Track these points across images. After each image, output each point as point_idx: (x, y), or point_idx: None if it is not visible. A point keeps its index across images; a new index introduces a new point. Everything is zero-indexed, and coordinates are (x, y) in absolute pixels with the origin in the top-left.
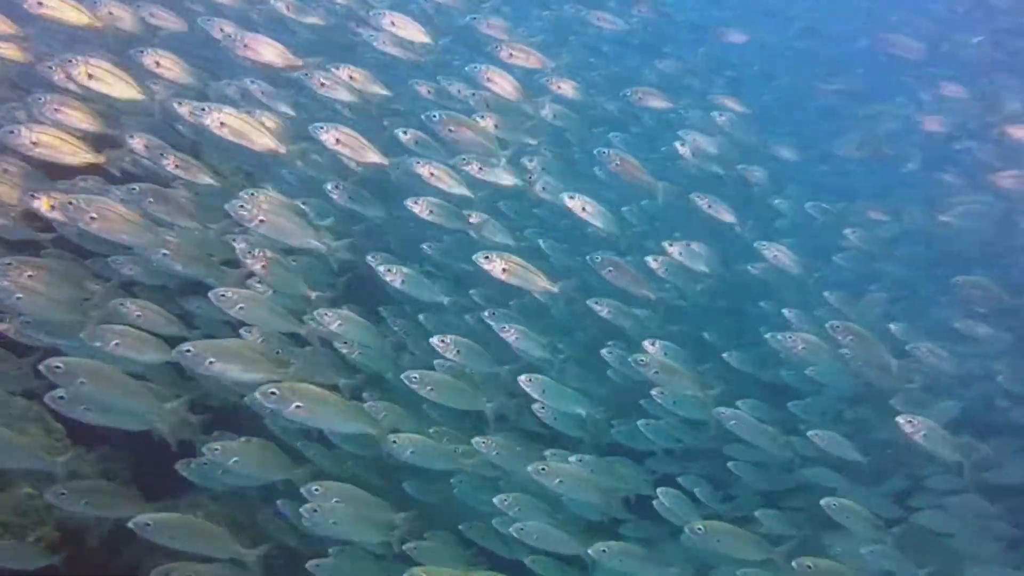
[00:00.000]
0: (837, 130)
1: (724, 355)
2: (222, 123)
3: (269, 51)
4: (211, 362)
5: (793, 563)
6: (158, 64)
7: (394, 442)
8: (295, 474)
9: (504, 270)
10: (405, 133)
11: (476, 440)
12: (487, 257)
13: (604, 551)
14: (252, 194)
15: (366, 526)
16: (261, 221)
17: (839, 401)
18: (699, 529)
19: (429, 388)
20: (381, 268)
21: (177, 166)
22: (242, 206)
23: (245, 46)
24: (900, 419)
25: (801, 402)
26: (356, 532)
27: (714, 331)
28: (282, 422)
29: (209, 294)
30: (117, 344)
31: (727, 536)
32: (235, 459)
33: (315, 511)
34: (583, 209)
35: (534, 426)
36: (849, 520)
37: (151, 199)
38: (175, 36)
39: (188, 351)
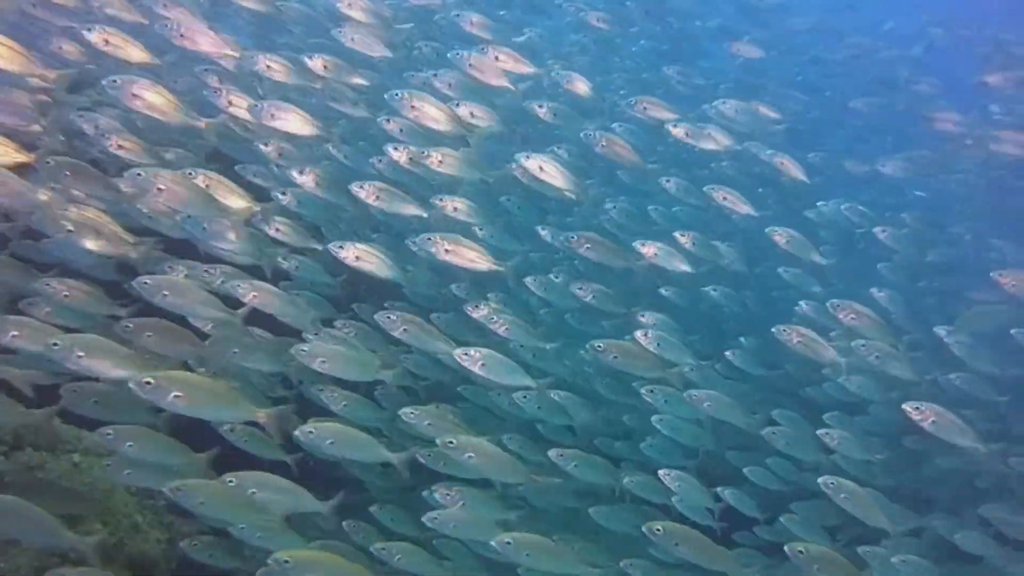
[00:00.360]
0: (888, 148)
1: (727, 353)
2: (134, 95)
3: (206, 40)
4: (80, 356)
5: (786, 548)
6: (107, 42)
7: (310, 432)
8: (197, 459)
9: (447, 251)
10: (389, 121)
11: (405, 411)
12: (429, 239)
13: (508, 543)
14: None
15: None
16: (159, 189)
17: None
18: (658, 530)
19: (321, 360)
20: (332, 245)
21: (120, 147)
22: (138, 174)
23: (182, 35)
24: (907, 406)
25: (836, 414)
26: (236, 515)
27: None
28: None
29: (133, 282)
30: (15, 336)
31: (687, 541)
32: (130, 444)
33: (179, 490)
34: (540, 169)
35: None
36: (848, 503)
37: (67, 172)
38: None
39: (55, 345)
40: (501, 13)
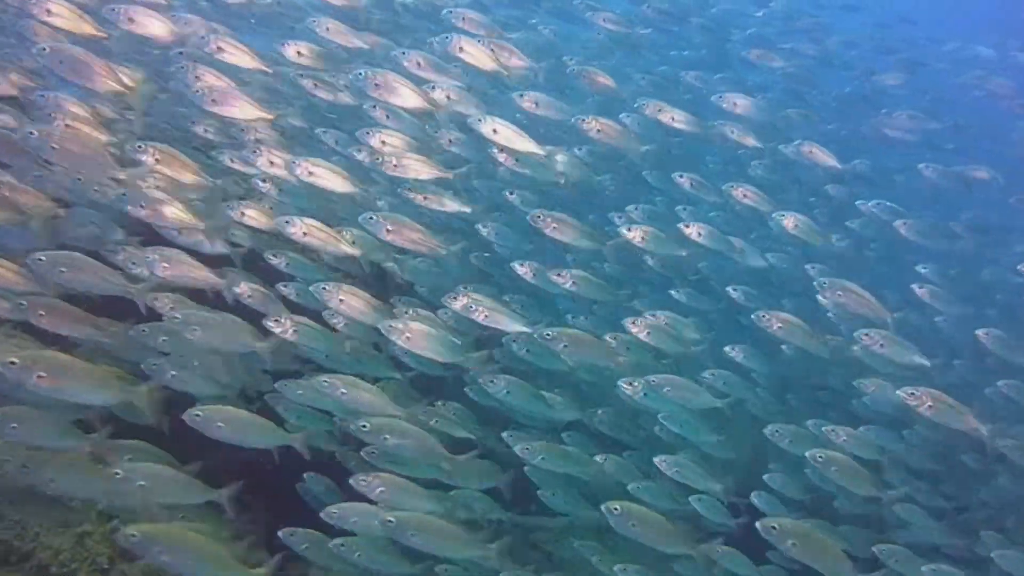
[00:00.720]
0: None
1: (727, 349)
2: (60, 61)
3: (155, 26)
4: None
5: (758, 524)
6: (49, 12)
7: (196, 415)
8: (91, 439)
9: (388, 231)
10: (375, 108)
11: (319, 379)
12: (371, 217)
13: (391, 522)
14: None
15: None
16: (53, 148)
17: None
18: (615, 509)
19: (194, 329)
20: (279, 219)
21: (68, 127)
22: (31, 133)
23: (130, 19)
24: (903, 392)
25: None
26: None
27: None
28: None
29: (27, 259)
30: None
31: (645, 522)
32: (12, 425)
33: (25, 467)
34: (493, 131)
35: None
36: (837, 475)
37: None
38: None
39: None
40: (532, 21)
